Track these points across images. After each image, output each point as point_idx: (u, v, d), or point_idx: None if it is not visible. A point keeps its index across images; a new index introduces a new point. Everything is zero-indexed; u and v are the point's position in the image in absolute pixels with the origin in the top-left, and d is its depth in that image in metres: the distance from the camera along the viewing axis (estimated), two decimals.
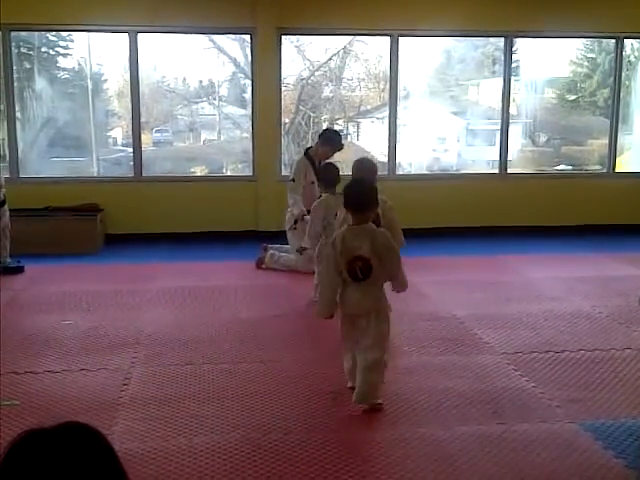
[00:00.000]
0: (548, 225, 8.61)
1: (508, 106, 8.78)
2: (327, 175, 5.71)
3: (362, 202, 3.67)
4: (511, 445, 3.22)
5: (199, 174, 9.33)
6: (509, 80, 8.73)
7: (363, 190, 3.73)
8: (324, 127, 9.14)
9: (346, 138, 10.27)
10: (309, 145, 6.99)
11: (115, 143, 9.46)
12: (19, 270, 6.64)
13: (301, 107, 9.57)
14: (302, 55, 9.37)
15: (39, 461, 1.22)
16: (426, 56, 9.40)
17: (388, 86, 8.63)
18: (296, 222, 6.50)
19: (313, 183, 6.48)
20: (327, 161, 6.26)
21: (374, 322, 3.67)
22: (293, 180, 6.58)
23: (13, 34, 8.00)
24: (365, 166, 4.96)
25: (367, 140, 10.07)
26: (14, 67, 8.06)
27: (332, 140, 6.57)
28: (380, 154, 9.03)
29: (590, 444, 3.24)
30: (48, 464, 1.22)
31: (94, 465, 1.26)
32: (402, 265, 3.82)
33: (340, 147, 6.58)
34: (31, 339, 4.72)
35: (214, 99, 9.78)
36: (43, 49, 8.82)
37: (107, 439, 1.32)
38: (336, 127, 9.97)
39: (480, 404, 3.70)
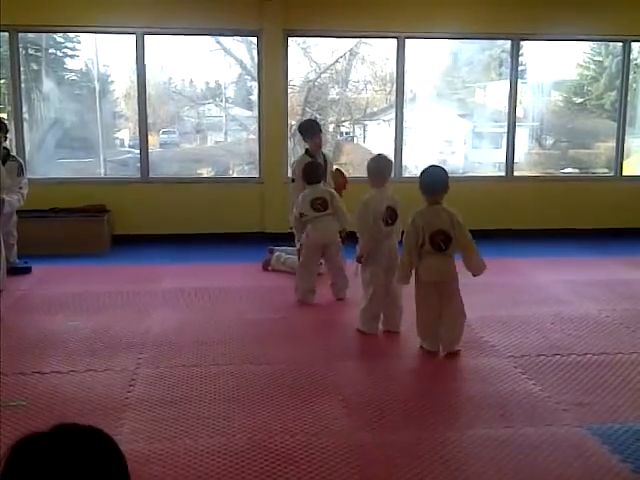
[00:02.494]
0: (555, 228, 8.59)
1: (515, 109, 8.76)
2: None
3: (438, 185, 4.32)
4: (518, 448, 3.21)
5: (205, 176, 9.34)
6: (516, 83, 8.71)
7: (439, 175, 4.39)
8: (327, 130, 9.16)
9: (352, 140, 10.28)
10: (306, 147, 6.94)
11: (122, 144, 9.47)
12: (26, 271, 6.66)
13: (307, 109, 9.56)
14: (308, 57, 9.38)
15: (38, 466, 1.22)
16: (433, 58, 9.39)
17: (394, 88, 8.62)
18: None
19: None
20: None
21: (456, 288, 4.41)
22: (294, 180, 6.60)
23: (20, 35, 8.03)
24: (382, 162, 5.12)
25: (373, 142, 10.06)
26: (21, 68, 8.09)
27: (308, 128, 6.69)
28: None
29: (597, 448, 3.22)
30: (47, 468, 1.22)
31: (97, 466, 1.25)
32: (478, 251, 4.43)
33: (318, 127, 6.69)
34: (38, 340, 4.73)
35: (220, 101, 9.79)
36: (50, 50, 8.85)
37: (110, 439, 1.31)
38: (342, 129, 9.99)
39: (487, 407, 3.69)
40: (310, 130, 6.63)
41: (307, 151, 6.66)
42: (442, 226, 4.26)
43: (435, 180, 4.36)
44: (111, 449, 1.30)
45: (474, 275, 4.43)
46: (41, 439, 1.26)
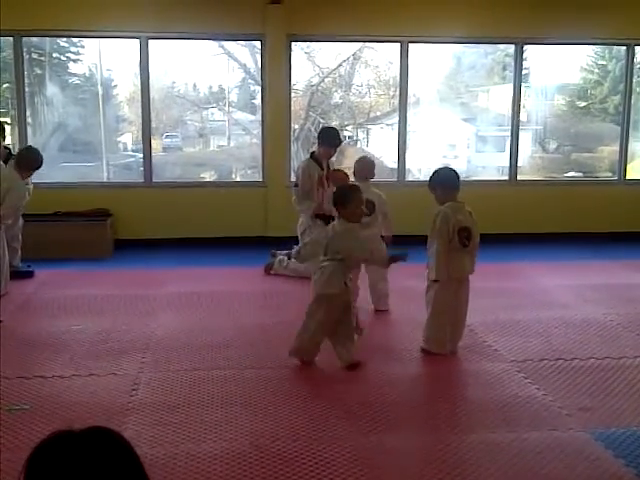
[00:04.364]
0: (558, 232, 8.57)
1: (518, 113, 8.76)
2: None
3: (457, 183, 4.54)
4: (521, 453, 3.20)
5: (208, 180, 9.35)
6: (519, 87, 8.71)
7: (455, 173, 4.59)
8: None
9: (356, 144, 10.27)
10: (312, 151, 6.94)
11: (125, 148, 9.49)
12: (29, 274, 6.66)
13: (311, 113, 9.57)
14: (312, 61, 9.39)
15: (65, 462, 1.22)
16: (436, 62, 9.39)
17: (398, 92, 8.62)
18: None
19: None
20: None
21: (467, 288, 4.56)
22: (297, 185, 6.55)
23: (24, 40, 8.05)
24: (367, 163, 5.80)
25: (377, 146, 10.07)
26: (25, 73, 8.10)
27: (329, 137, 6.57)
28: (390, 160, 9.03)
29: (601, 453, 3.21)
30: (74, 466, 1.22)
31: (119, 470, 1.26)
32: None
33: (338, 142, 6.61)
34: (41, 343, 4.73)
35: (224, 105, 9.80)
36: (54, 55, 8.87)
37: (132, 445, 1.32)
38: (346, 133, 9.98)
39: (490, 412, 3.68)
40: (332, 141, 6.48)
41: (312, 155, 6.61)
42: (467, 223, 4.42)
43: (455, 178, 4.57)
44: (129, 453, 1.31)
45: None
46: (64, 439, 1.26)
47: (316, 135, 7.05)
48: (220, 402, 3.78)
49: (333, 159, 6.97)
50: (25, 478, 1.23)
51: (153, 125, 8.50)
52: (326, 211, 6.03)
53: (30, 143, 8.16)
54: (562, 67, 9.59)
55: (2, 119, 7.08)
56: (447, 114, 9.83)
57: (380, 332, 5.12)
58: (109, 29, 7.92)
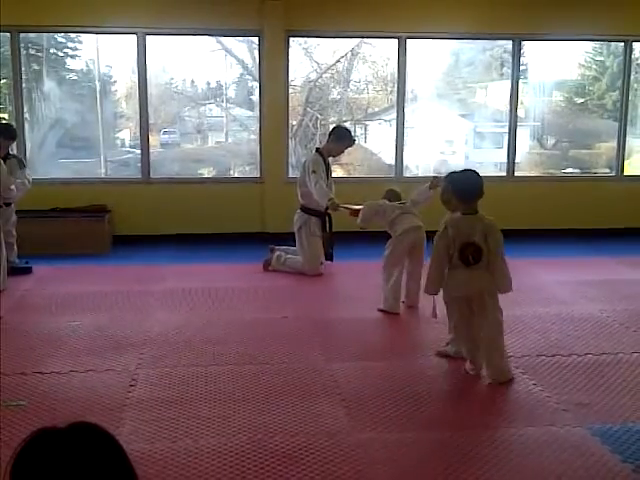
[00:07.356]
0: (556, 228, 8.58)
1: (516, 109, 8.76)
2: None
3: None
4: (518, 449, 3.21)
5: (206, 176, 9.34)
6: (517, 83, 8.71)
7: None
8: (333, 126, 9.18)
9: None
10: (316, 147, 7.06)
11: (123, 144, 9.47)
12: (27, 271, 6.66)
13: (308, 109, 9.56)
14: (310, 57, 9.37)
15: (51, 459, 1.23)
16: (434, 58, 9.38)
17: (396, 88, 8.62)
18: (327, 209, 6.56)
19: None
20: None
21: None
22: (314, 172, 6.59)
23: (22, 35, 8.03)
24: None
25: (374, 142, 10.07)
26: (23, 68, 8.09)
27: (345, 136, 6.82)
28: (387, 156, 9.02)
29: (597, 448, 3.22)
30: (60, 463, 1.22)
31: (105, 465, 1.27)
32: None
33: (352, 142, 6.92)
34: (38, 340, 4.74)
35: (222, 101, 9.79)
36: (52, 50, 8.84)
37: (117, 440, 1.33)
38: None
39: (487, 407, 3.69)
40: (346, 141, 6.80)
41: (318, 150, 6.74)
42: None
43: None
44: (120, 451, 1.32)
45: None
46: (54, 434, 1.27)
47: (314, 131, 7.14)
48: (218, 398, 3.78)
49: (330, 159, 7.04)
50: (11, 476, 1.23)
51: (151, 121, 8.50)
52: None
53: (28, 139, 8.19)
54: (560, 63, 9.59)
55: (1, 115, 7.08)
56: (445, 110, 9.83)
57: (380, 329, 5.13)
58: (106, 25, 7.91)
